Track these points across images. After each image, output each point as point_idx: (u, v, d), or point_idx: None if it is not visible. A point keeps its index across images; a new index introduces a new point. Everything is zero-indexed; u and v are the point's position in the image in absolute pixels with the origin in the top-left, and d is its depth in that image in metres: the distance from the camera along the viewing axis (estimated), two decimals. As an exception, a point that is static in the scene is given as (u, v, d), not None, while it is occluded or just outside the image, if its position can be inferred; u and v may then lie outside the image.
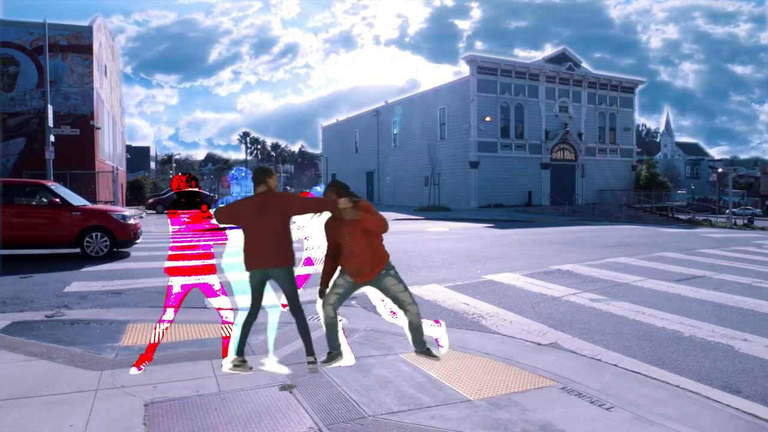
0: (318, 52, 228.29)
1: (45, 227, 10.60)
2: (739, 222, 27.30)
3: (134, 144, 67.49)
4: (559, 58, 35.33)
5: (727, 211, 27.40)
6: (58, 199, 10.74)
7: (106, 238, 10.82)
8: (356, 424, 3.12)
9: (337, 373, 3.95)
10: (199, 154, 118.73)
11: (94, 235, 10.74)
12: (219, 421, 3.10)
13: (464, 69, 33.22)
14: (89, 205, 11.85)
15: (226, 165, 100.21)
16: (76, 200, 11.41)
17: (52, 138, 17.82)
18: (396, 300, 4.18)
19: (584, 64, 36.61)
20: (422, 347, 4.27)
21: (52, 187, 11.12)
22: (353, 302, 6.79)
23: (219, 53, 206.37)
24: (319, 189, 4.58)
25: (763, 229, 23.61)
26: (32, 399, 3.36)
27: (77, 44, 25.25)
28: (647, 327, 5.66)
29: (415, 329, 4.22)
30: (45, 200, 10.82)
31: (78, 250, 10.70)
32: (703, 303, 6.89)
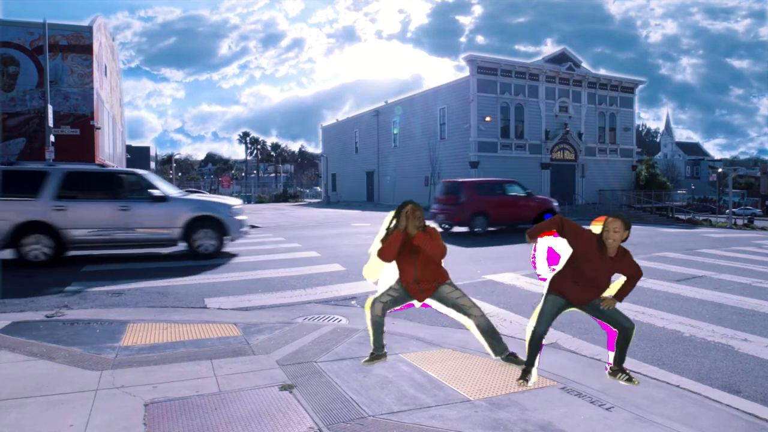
0: (322, 46, 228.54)
1: (525, 211, 15.84)
2: (739, 222, 27.28)
3: (135, 143, 67.45)
4: (559, 58, 35.32)
5: (727, 211, 27.41)
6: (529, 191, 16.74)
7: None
8: (356, 424, 3.12)
9: (337, 373, 3.95)
10: (200, 154, 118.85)
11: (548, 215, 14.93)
12: (219, 421, 3.10)
13: (465, 63, 33.23)
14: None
15: (226, 165, 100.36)
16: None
17: (52, 138, 17.81)
18: (456, 306, 4.03)
19: (584, 64, 36.61)
20: (504, 352, 4.08)
21: (516, 182, 17.39)
22: (353, 302, 6.79)
23: (228, 47, 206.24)
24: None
25: (763, 229, 23.59)
26: (32, 399, 3.36)
27: (77, 44, 25.25)
28: (647, 327, 5.66)
29: (487, 333, 4.03)
30: (522, 191, 16.74)
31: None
32: (703, 303, 6.89)
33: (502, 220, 16.28)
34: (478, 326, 4.01)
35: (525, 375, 3.82)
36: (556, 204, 17.12)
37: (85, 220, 9.74)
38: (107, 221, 9.87)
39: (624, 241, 3.65)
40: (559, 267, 3.85)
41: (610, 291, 3.81)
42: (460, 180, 17.52)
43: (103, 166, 13.08)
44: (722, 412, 3.53)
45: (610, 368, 3.87)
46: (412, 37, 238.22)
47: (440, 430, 3.06)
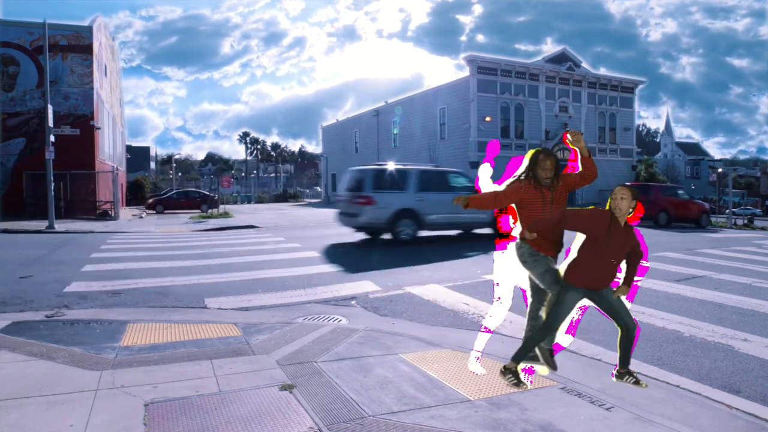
0: (323, 44, 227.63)
1: (690, 210, 21.79)
2: (739, 222, 27.27)
3: (137, 141, 67.48)
4: (559, 58, 35.34)
5: (727, 211, 27.43)
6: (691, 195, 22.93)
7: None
8: (356, 424, 3.12)
9: (337, 373, 3.95)
10: (200, 153, 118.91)
11: (704, 216, 22.07)
12: (219, 421, 3.10)
13: (465, 63, 33.22)
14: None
15: (227, 165, 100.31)
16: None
17: (52, 138, 17.79)
18: (537, 290, 3.85)
19: (584, 64, 36.63)
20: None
21: (681, 187, 24.54)
22: (353, 302, 6.79)
23: (230, 46, 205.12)
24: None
25: (763, 229, 23.62)
26: (32, 399, 3.36)
27: (77, 44, 25.25)
28: (647, 327, 5.65)
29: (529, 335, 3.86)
30: (687, 196, 22.44)
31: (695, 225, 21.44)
32: (703, 303, 6.89)
33: (676, 217, 21.19)
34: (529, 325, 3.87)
35: (518, 376, 3.74)
36: (708, 207, 23.04)
37: (434, 207, 12.85)
38: (447, 208, 12.82)
39: (632, 209, 3.53)
40: (571, 256, 3.68)
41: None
42: (646, 183, 24.34)
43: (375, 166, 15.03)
44: (722, 412, 3.53)
45: (617, 371, 3.78)
46: (413, 36, 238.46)
47: (440, 430, 3.06)
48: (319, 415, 3.20)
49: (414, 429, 3.07)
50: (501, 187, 3.93)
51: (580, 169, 3.85)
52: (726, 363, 4.60)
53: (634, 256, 3.64)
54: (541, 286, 3.80)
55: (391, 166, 13.96)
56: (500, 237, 4.02)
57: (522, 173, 3.86)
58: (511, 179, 3.91)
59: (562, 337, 3.92)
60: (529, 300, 3.97)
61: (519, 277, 3.98)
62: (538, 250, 3.73)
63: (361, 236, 14.66)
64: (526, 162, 3.86)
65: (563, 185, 3.82)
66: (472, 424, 3.13)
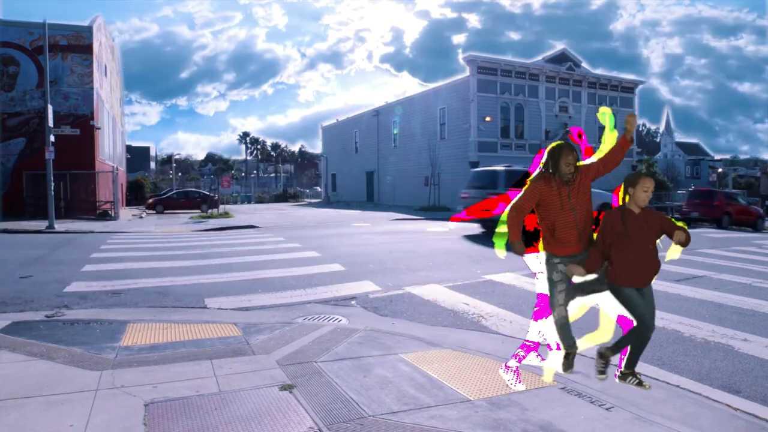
0: (309, 71, 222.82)
1: (746, 213, 23.94)
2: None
3: (137, 140, 67.42)
4: (559, 58, 35.33)
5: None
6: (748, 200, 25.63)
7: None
8: (356, 424, 3.12)
9: (337, 373, 3.95)
10: (200, 154, 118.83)
11: (759, 220, 24.01)
12: (219, 421, 3.10)
13: (465, 63, 33.21)
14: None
15: (226, 165, 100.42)
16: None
17: (52, 138, 17.78)
18: (599, 280, 3.69)
19: (584, 64, 36.63)
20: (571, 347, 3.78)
21: (740, 194, 27.19)
22: (353, 302, 6.79)
23: (202, 70, 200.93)
24: None
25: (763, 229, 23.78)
26: (32, 399, 3.36)
27: (77, 44, 25.25)
28: (647, 327, 5.65)
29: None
30: (745, 201, 25.14)
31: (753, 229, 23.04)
32: (703, 303, 6.89)
33: (737, 221, 23.55)
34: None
35: (604, 370, 3.73)
36: (762, 212, 25.16)
37: None
38: None
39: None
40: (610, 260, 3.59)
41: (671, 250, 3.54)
42: (712, 189, 27.50)
43: None
44: (722, 412, 3.53)
45: (620, 372, 3.71)
46: (407, 68, 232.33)
47: (440, 430, 3.06)
48: (319, 415, 3.20)
49: (414, 429, 3.07)
50: (517, 198, 3.80)
51: (611, 152, 3.80)
52: (726, 363, 4.60)
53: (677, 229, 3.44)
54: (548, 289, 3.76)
55: (517, 167, 15.31)
56: (530, 242, 3.86)
57: (541, 170, 3.78)
58: (527, 185, 3.82)
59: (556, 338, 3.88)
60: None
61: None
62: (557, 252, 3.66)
63: (363, 237, 14.65)
64: (546, 156, 3.77)
65: (584, 178, 3.74)
66: (472, 424, 3.14)
